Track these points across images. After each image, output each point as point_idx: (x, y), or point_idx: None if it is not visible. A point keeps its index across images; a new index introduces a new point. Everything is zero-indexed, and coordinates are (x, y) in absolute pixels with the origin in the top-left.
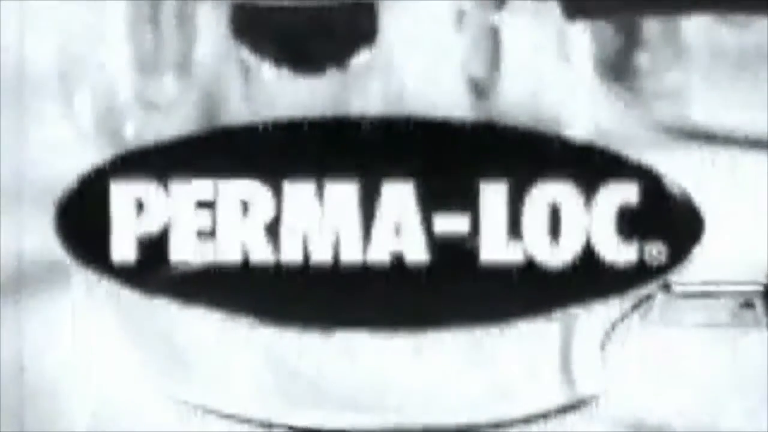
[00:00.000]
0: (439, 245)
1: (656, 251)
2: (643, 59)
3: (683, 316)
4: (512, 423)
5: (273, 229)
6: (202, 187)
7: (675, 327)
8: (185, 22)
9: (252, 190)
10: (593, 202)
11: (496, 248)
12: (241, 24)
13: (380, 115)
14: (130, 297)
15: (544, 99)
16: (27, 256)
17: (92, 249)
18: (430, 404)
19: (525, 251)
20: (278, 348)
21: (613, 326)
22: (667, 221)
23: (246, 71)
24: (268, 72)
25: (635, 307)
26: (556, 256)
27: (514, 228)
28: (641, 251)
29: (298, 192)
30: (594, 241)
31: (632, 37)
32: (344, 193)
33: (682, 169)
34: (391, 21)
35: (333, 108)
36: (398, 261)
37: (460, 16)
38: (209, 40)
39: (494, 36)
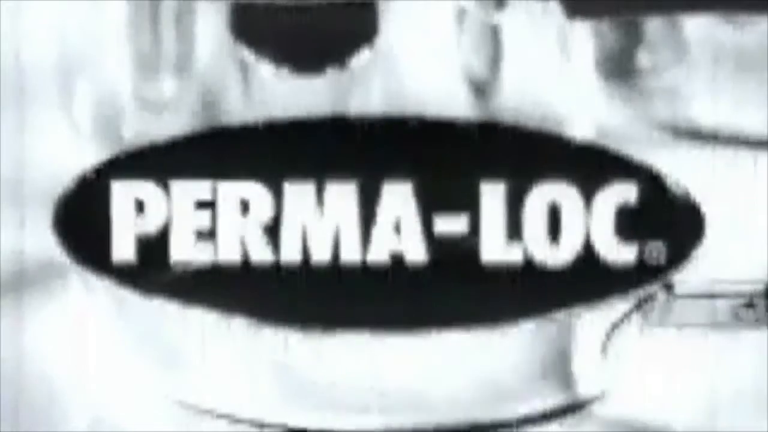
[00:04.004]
0: (439, 245)
1: (656, 251)
2: (644, 58)
3: (684, 316)
4: (512, 424)
5: (273, 229)
6: (201, 187)
7: (676, 327)
8: (185, 22)
9: (252, 190)
10: (593, 202)
11: (495, 248)
12: (240, 24)
13: (380, 115)
14: (129, 297)
15: (545, 99)
16: (27, 256)
17: (92, 249)
18: (429, 405)
19: (525, 251)
20: (277, 348)
21: (614, 327)
22: (667, 221)
23: (245, 71)
24: (267, 72)
25: (636, 307)
26: (556, 256)
27: (514, 228)
28: (641, 251)
29: (298, 192)
30: (594, 241)
31: (633, 37)
32: (344, 193)
33: (682, 169)
34: (391, 21)
35: (333, 108)
36: (398, 261)
37: (461, 15)
38: (209, 40)
39: (495, 35)
